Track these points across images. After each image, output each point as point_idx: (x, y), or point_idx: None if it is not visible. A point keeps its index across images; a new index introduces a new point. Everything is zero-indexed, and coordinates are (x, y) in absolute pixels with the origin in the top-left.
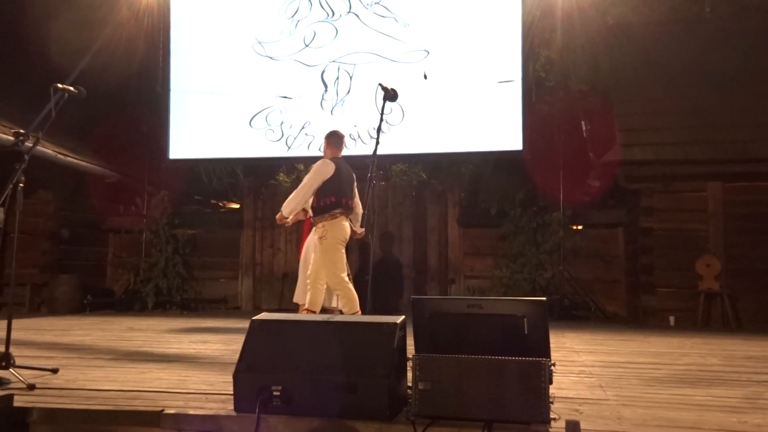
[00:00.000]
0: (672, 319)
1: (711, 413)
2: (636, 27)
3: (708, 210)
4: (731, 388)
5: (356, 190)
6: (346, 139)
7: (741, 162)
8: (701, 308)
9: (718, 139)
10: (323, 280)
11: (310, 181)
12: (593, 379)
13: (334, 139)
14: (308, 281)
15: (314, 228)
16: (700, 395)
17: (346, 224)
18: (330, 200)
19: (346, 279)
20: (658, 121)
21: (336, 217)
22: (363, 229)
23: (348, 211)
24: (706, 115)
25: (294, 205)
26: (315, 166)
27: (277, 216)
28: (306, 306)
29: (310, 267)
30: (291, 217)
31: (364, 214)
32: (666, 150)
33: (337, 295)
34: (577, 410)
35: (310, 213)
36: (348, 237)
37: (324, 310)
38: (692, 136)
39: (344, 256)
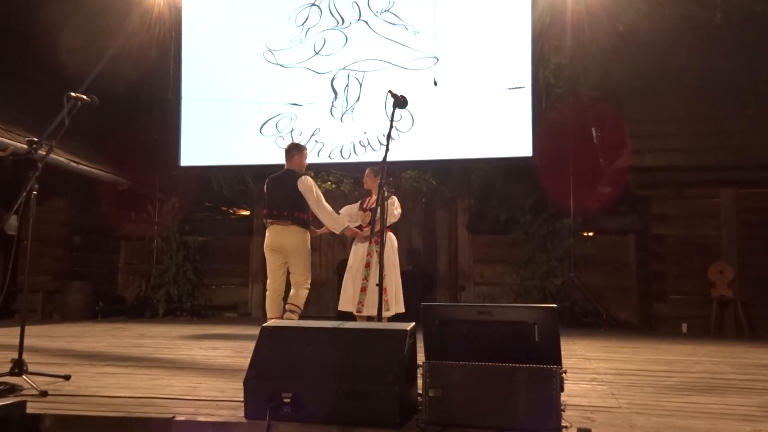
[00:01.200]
0: (685, 326)
1: (724, 421)
2: (646, 34)
3: (721, 217)
4: (745, 396)
5: (305, 197)
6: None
7: (754, 168)
8: (714, 316)
9: (730, 145)
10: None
11: None
12: (605, 386)
13: (287, 152)
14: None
15: None
16: (714, 403)
17: (270, 234)
18: (264, 212)
19: (269, 285)
20: (669, 128)
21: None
22: (314, 229)
23: (276, 220)
24: (718, 122)
25: None
26: None
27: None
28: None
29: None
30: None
31: (373, 221)
32: (677, 156)
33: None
34: (589, 418)
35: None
36: (270, 244)
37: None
38: (704, 143)
39: (270, 262)
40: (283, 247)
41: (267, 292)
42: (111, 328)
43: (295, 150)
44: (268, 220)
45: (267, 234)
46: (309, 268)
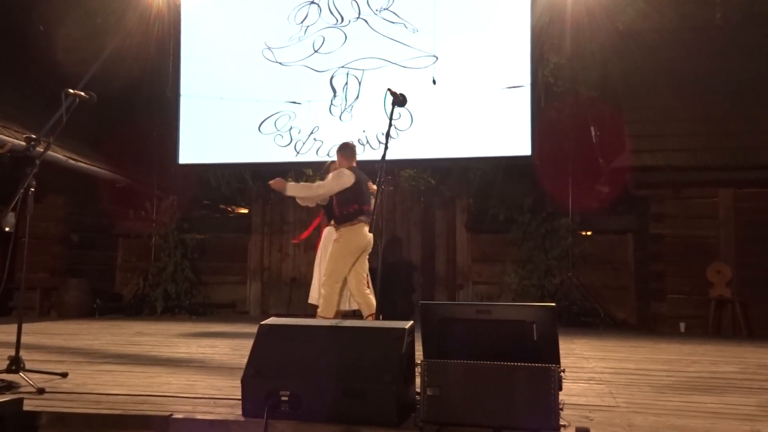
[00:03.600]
0: (682, 326)
1: (724, 421)
2: (646, 33)
3: (719, 217)
4: (744, 396)
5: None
6: (355, 145)
7: (752, 169)
8: (712, 315)
9: (728, 145)
10: (333, 284)
11: (330, 186)
12: (603, 385)
13: (347, 151)
14: (321, 287)
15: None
16: (713, 402)
17: (366, 232)
18: (353, 207)
19: (336, 286)
20: (668, 128)
21: (356, 224)
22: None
23: (368, 217)
24: (717, 122)
25: (304, 195)
26: (333, 174)
27: (277, 182)
28: (320, 312)
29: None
30: (290, 194)
31: (372, 219)
32: (676, 156)
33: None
34: (587, 417)
35: (331, 221)
36: (366, 246)
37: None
38: (703, 143)
39: (352, 264)
40: None
41: (333, 290)
42: (109, 326)
43: (354, 147)
44: (362, 217)
45: (360, 234)
46: (330, 267)
